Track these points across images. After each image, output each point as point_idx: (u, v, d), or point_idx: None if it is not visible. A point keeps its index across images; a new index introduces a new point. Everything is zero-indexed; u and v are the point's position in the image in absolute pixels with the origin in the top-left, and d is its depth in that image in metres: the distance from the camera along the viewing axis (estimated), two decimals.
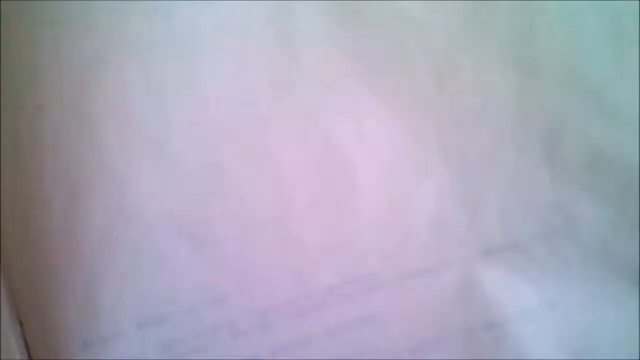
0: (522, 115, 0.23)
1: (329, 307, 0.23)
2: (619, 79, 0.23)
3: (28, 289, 0.22)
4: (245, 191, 0.23)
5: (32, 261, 0.22)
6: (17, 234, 0.22)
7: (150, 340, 0.22)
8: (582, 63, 0.23)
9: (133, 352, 0.22)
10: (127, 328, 0.22)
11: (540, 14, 0.23)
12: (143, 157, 0.22)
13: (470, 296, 0.23)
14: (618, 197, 0.23)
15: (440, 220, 0.23)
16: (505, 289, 0.23)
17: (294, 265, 0.23)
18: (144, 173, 0.22)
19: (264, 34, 0.23)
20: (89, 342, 0.22)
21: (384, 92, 0.23)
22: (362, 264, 0.23)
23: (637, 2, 0.23)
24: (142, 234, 0.22)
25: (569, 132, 0.23)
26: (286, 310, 0.23)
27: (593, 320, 0.23)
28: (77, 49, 0.22)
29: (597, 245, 0.23)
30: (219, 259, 0.23)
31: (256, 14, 0.23)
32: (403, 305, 0.23)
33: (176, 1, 0.22)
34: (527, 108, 0.23)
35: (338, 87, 0.23)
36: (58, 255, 0.22)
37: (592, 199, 0.23)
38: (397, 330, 0.23)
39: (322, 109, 0.23)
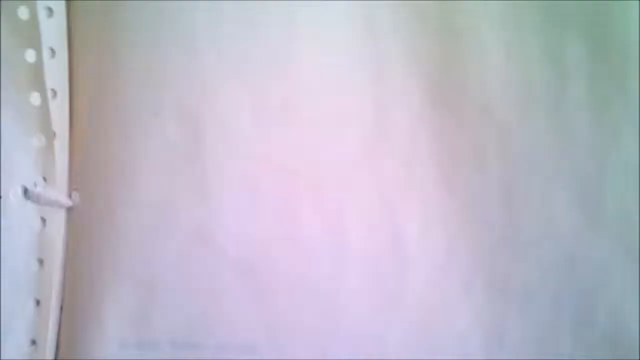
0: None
1: None
2: None
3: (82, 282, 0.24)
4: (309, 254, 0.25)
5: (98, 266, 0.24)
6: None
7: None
8: None
9: None
10: (162, 343, 0.24)
11: None
12: (230, 189, 0.24)
13: None
14: None
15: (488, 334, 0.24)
16: None
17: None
18: (228, 202, 0.24)
19: None
20: (125, 345, 0.24)
21: (454, 184, 0.24)
22: None
23: None
24: (210, 260, 0.24)
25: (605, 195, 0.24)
26: None
27: None
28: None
29: None
30: (263, 309, 0.24)
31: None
32: None
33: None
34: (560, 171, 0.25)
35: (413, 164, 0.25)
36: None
37: None
38: None
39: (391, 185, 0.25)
